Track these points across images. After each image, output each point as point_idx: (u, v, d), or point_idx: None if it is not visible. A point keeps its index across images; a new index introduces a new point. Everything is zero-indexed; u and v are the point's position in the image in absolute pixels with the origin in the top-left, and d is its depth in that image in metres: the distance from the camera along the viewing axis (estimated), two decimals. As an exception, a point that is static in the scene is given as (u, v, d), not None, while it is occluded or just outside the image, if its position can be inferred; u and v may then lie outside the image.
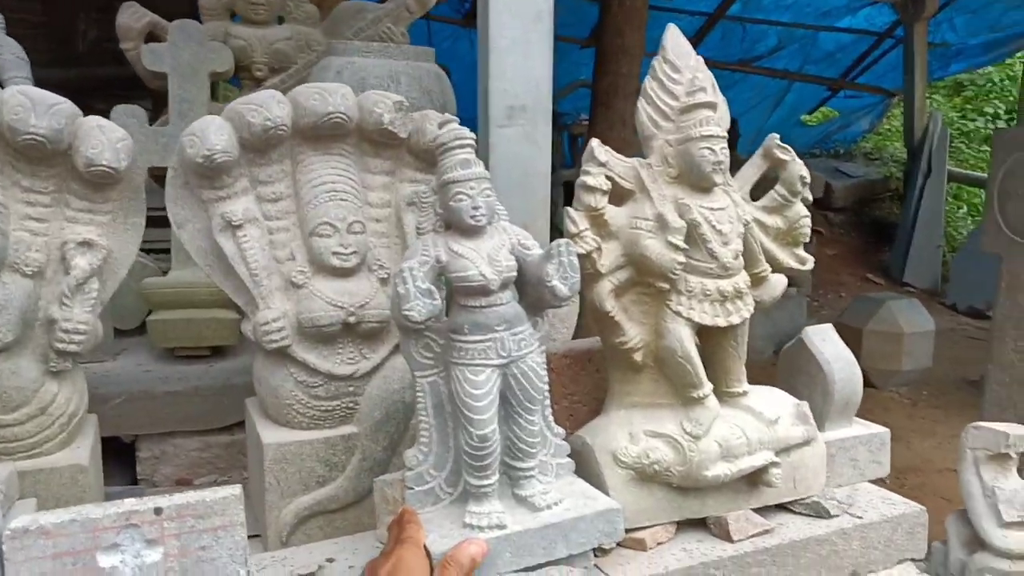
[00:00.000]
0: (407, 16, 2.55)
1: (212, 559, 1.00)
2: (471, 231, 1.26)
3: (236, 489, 1.03)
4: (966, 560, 2.33)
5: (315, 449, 1.59)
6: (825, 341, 1.66)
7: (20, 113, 1.38)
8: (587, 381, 1.65)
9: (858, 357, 5.68)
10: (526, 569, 1.24)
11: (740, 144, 9.18)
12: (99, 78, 6.35)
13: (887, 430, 1.66)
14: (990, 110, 10.64)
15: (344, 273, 1.59)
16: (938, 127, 8.59)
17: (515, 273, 1.27)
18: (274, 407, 1.61)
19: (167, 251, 2.33)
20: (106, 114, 2.03)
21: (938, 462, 4.16)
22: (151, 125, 2.33)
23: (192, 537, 0.99)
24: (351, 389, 1.61)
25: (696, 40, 8.28)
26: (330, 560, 1.41)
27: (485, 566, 1.21)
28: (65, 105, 1.43)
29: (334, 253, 1.57)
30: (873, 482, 1.67)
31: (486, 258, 1.24)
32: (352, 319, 1.57)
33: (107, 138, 1.45)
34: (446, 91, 2.10)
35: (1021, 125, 3.15)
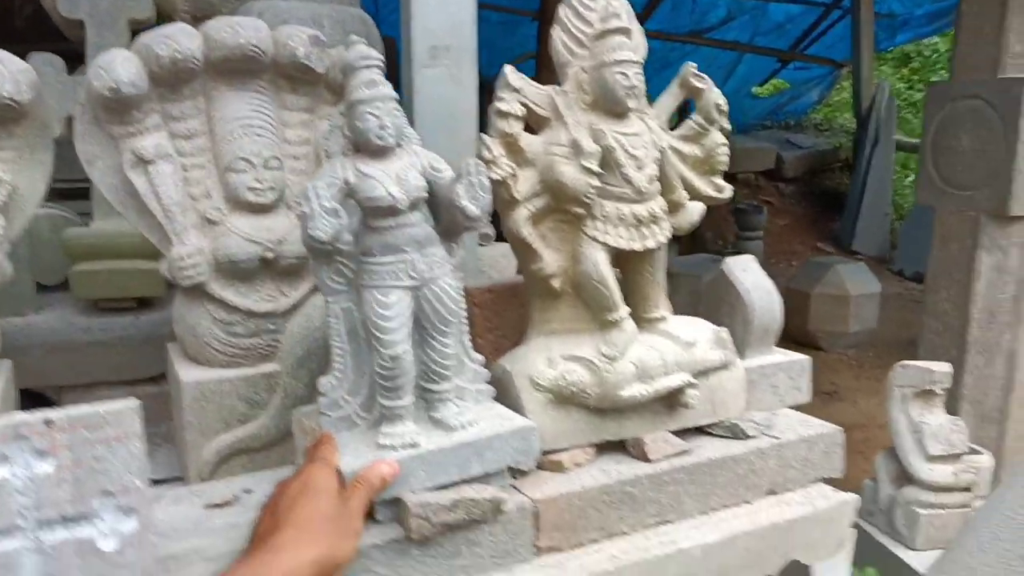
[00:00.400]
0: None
1: (106, 470, 0.98)
2: (379, 152, 1.25)
3: (132, 402, 1.01)
4: (895, 495, 2.39)
5: (235, 387, 1.57)
6: (746, 271, 1.68)
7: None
8: (512, 316, 1.65)
9: (806, 320, 5.79)
10: (441, 487, 1.24)
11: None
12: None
13: (808, 358, 1.69)
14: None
15: (261, 209, 1.57)
16: (885, 97, 8.72)
17: (425, 194, 1.26)
18: (193, 346, 1.59)
19: (86, 195, 2.27)
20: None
21: (881, 418, 4.25)
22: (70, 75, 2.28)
23: (85, 448, 0.97)
24: (271, 327, 1.60)
25: (646, 11, 8.30)
26: (247, 491, 1.40)
27: (398, 485, 1.22)
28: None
29: (250, 189, 1.55)
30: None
31: (394, 178, 1.23)
32: (270, 255, 1.55)
33: (6, 69, 1.41)
34: (372, 35, 2.07)
35: (953, 79, 3.20)
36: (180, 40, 1.49)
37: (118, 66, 1.44)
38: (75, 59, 2.51)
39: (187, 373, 1.57)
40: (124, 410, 1.00)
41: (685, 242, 8.40)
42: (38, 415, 0.97)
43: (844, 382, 5.71)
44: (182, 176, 1.55)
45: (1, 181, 1.44)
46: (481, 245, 2.07)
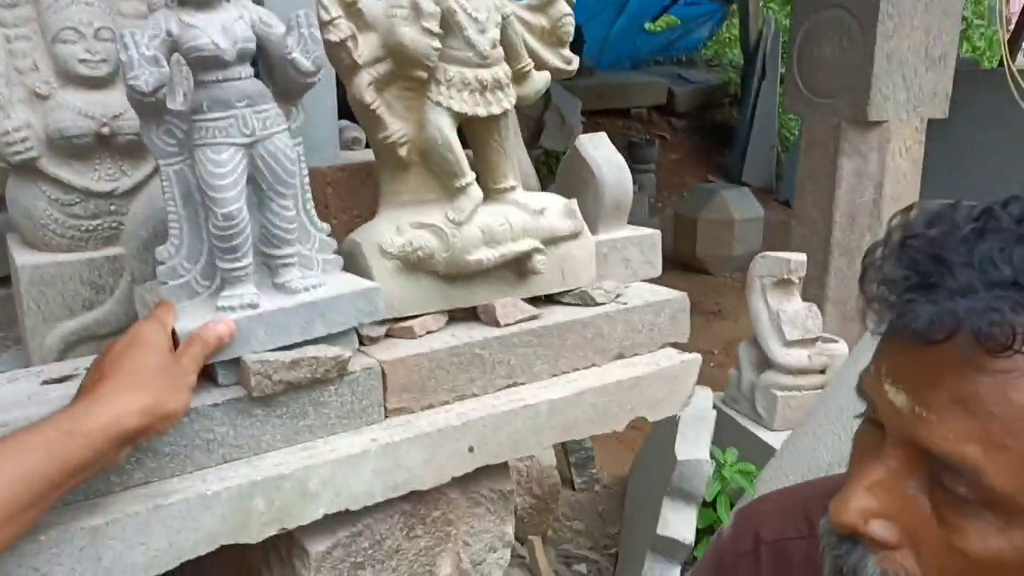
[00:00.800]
0: None
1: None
2: (204, 2, 1.20)
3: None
4: (755, 380, 2.52)
5: (77, 271, 1.52)
6: (597, 148, 1.70)
7: None
8: (366, 195, 1.64)
9: (694, 245, 5.98)
10: (283, 348, 1.24)
11: (586, 51, 9.28)
12: None
13: (658, 231, 1.74)
14: None
15: (95, 83, 1.50)
16: (771, 32, 8.93)
17: (252, 45, 1.22)
18: (29, 229, 1.52)
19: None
20: None
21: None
22: None
23: None
24: (113, 208, 1.54)
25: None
26: (88, 369, 1.36)
27: (237, 344, 1.20)
28: None
29: (81, 61, 1.48)
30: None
31: (220, 28, 1.19)
32: (105, 130, 1.49)
33: None
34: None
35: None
36: (-7, -102, 1.39)
37: (-77, -77, 1.34)
38: None
39: (24, 257, 1.50)
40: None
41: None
42: None
43: (728, 302, 5.94)
44: (6, 48, 1.46)
45: None
46: (350, 150, 2.04)
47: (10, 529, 0.91)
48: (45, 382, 1.31)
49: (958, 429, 0.63)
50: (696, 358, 1.56)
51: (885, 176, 3.12)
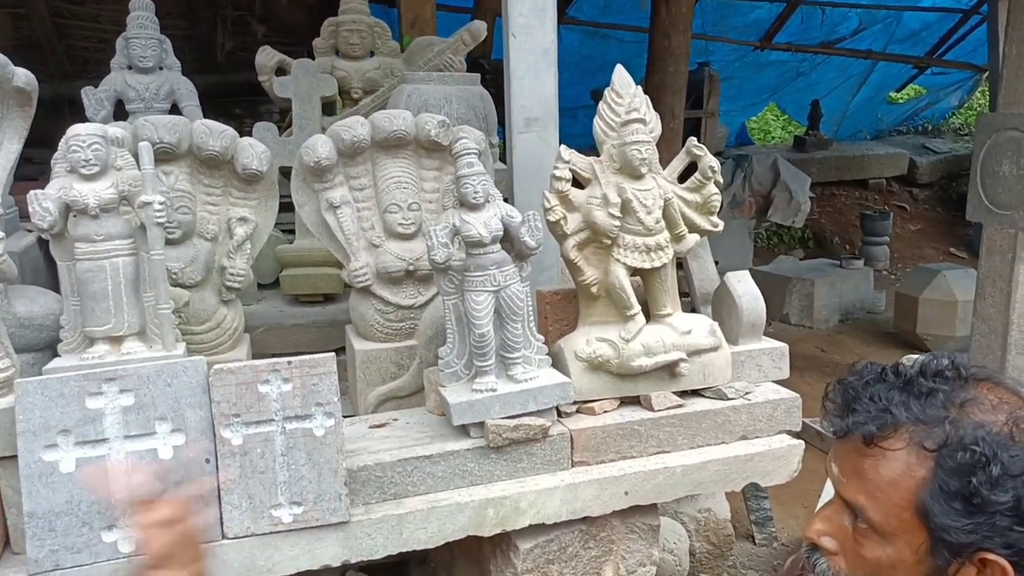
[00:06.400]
0: (463, 47, 3.31)
1: (318, 391, 1.79)
2: (474, 207, 2.01)
3: (331, 356, 1.82)
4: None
5: (388, 355, 2.38)
6: (740, 282, 2.32)
7: (203, 137, 2.22)
8: (572, 311, 2.37)
9: (914, 324, 6.09)
10: (509, 417, 1.99)
11: (824, 124, 9.53)
12: (233, 83, 7.45)
13: (785, 345, 2.32)
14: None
15: (406, 238, 2.38)
16: (1026, 101, 8.66)
17: (501, 232, 2.01)
18: (362, 327, 2.42)
19: (292, 228, 3.17)
20: (242, 116, 2.86)
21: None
22: (280, 136, 3.18)
23: (308, 378, 1.79)
24: (412, 315, 2.40)
25: (775, 27, 8.69)
26: (395, 419, 2.21)
27: (484, 412, 1.97)
28: (230, 131, 2.26)
29: (399, 224, 2.36)
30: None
31: (483, 223, 1.99)
32: (411, 268, 2.35)
33: (255, 151, 2.27)
34: (488, 107, 2.85)
35: (996, 110, 3.63)
36: (357, 128, 2.31)
37: (319, 147, 2.28)
38: (260, 92, 3.43)
39: (358, 344, 2.40)
40: (328, 358, 1.81)
41: (811, 247, 8.76)
42: (284, 360, 1.79)
43: (946, 382, 6.00)
44: (357, 215, 2.37)
45: (249, 220, 2.31)
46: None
47: None
48: (371, 426, 2.17)
49: (855, 487, 1.18)
50: (800, 444, 2.13)
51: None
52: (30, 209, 1.86)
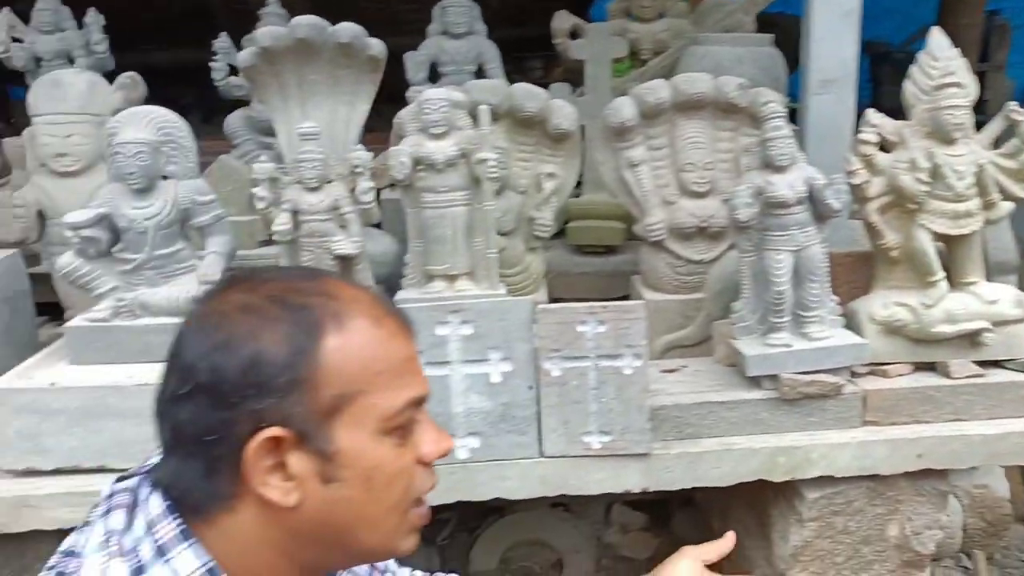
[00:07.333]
0: (754, 7, 3.32)
1: (628, 334, 1.97)
2: (779, 168, 2.09)
3: (642, 303, 2.00)
4: None
5: (676, 306, 2.53)
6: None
7: (522, 100, 2.45)
8: (864, 272, 2.39)
9: None
10: (803, 372, 2.08)
11: None
12: (504, 40, 7.81)
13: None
14: None
15: (700, 195, 2.50)
16: None
17: (805, 194, 2.07)
18: (652, 279, 2.58)
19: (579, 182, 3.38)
20: (509, 72, 3.09)
21: None
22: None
23: (619, 322, 1.97)
24: (700, 270, 2.52)
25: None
26: (684, 366, 2.36)
27: (778, 366, 2.07)
28: (544, 94, 2.48)
29: (694, 182, 2.48)
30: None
31: (788, 185, 2.07)
32: (703, 225, 2.47)
33: (565, 112, 2.48)
34: (779, 68, 2.87)
35: None
36: (659, 91, 2.45)
37: (624, 108, 2.44)
38: (526, 48, 3.58)
39: (648, 295, 2.56)
40: (639, 305, 1.99)
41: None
42: (600, 304, 1.99)
43: None
44: (654, 174, 2.52)
45: (556, 175, 2.53)
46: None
47: None
48: (663, 371, 2.33)
49: None
50: (1115, 424, 2.04)
51: None
52: (390, 163, 2.17)
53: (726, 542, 1.16)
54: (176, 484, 0.88)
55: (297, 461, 0.84)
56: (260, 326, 0.83)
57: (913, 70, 2.17)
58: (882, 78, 5.93)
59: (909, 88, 2.17)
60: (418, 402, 0.92)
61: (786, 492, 2.16)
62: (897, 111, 2.22)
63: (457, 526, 2.97)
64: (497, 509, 2.98)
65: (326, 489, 0.86)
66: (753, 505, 2.35)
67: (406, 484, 0.92)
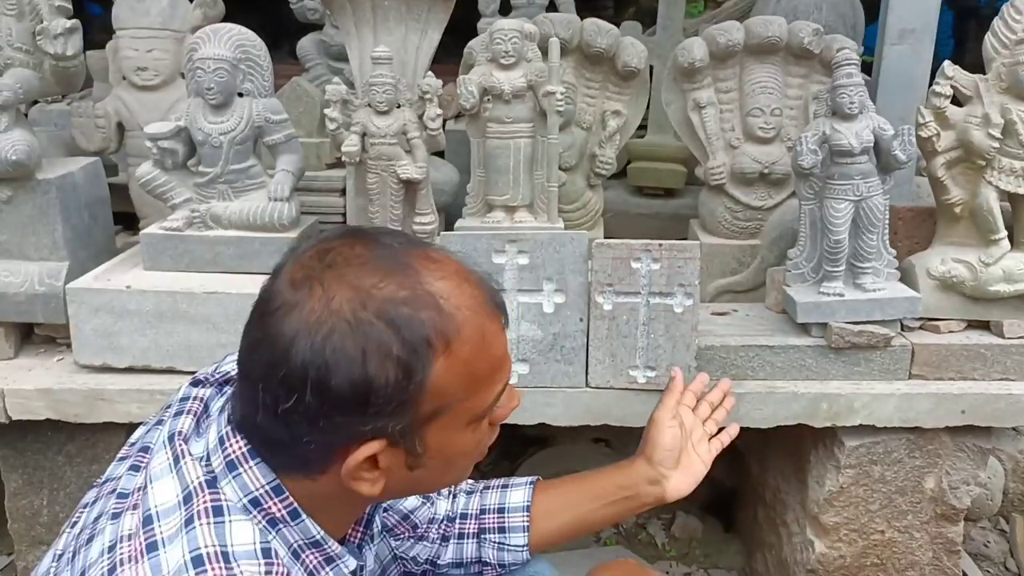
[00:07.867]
0: (837, -50, 3.24)
1: (682, 273, 2.00)
2: (847, 117, 2.07)
3: (696, 243, 2.02)
4: None
5: (731, 251, 2.54)
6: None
7: (592, 35, 2.46)
8: (925, 228, 2.37)
9: None
10: (854, 322, 2.09)
11: None
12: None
13: None
14: None
15: (765, 141, 2.48)
16: None
17: (871, 143, 2.06)
18: (710, 223, 2.59)
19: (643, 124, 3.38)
20: (579, 11, 3.09)
21: None
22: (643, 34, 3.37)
23: (674, 261, 2.00)
24: (759, 216, 2.52)
25: None
26: (735, 310, 2.39)
27: (828, 314, 2.09)
28: (615, 30, 2.48)
29: (760, 128, 2.47)
30: None
31: (855, 134, 2.05)
32: (765, 171, 2.47)
33: (635, 50, 2.48)
34: (857, 15, 2.81)
35: None
36: (732, 33, 2.42)
37: (695, 49, 2.43)
38: None
39: (704, 238, 2.58)
40: (694, 245, 2.01)
41: None
42: (656, 241, 2.02)
43: None
44: (720, 117, 2.52)
45: (621, 113, 2.54)
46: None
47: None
48: (713, 313, 2.36)
49: None
50: None
51: None
52: (457, 91, 2.21)
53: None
54: (258, 438, 0.91)
55: (387, 457, 0.90)
56: (369, 350, 0.82)
57: (996, 23, 2.12)
58: (966, 35, 5.73)
59: (989, 41, 2.12)
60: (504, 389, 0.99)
61: (826, 439, 2.20)
62: (978, 69, 2.17)
63: (500, 455, 3.07)
64: (540, 440, 3.08)
65: (410, 474, 0.94)
66: (792, 452, 2.39)
67: (480, 449, 1.01)
